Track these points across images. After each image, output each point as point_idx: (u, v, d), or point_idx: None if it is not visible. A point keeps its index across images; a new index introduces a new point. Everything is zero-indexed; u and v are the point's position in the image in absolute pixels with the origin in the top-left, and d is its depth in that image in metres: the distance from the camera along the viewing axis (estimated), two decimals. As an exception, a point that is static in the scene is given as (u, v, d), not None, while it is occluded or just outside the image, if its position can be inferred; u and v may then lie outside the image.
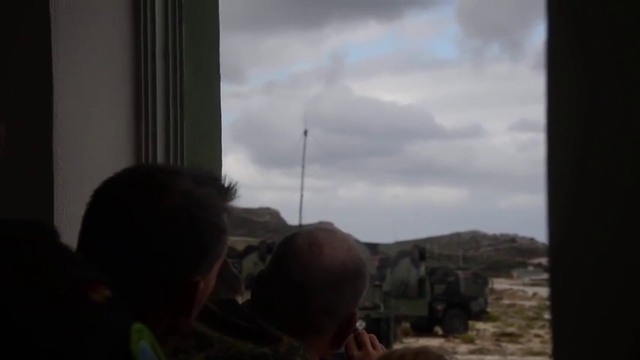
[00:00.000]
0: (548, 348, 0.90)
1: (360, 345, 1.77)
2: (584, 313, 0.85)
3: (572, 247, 0.84)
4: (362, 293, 1.68)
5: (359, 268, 1.67)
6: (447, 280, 30.49)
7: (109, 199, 1.31)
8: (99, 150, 2.22)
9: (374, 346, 1.77)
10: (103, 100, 2.26)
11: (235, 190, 1.37)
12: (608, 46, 0.80)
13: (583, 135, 0.83)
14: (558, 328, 0.88)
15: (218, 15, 2.44)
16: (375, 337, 1.81)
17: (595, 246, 0.82)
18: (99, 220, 1.30)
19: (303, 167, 50.74)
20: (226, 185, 1.36)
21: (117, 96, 2.29)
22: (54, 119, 2.13)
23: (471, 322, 30.64)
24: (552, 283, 0.88)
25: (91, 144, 2.22)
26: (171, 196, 1.28)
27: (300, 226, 49.90)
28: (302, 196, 47.75)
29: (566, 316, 0.87)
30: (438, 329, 29.56)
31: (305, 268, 1.62)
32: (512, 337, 29.66)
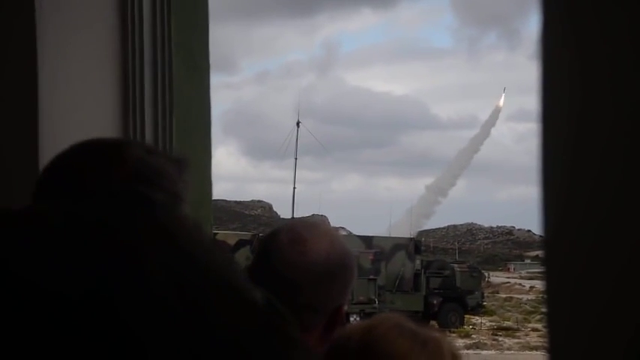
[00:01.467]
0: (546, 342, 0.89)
1: None
2: (580, 306, 0.84)
3: (566, 239, 0.84)
4: (349, 286, 1.65)
5: (344, 260, 1.64)
6: (442, 273, 30.52)
7: (62, 169, 1.25)
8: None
9: None
10: (90, 93, 2.22)
11: (186, 162, 1.33)
12: (601, 41, 0.80)
13: (576, 127, 0.82)
14: (554, 321, 0.87)
15: (207, 3, 2.41)
16: None
17: (589, 238, 0.82)
18: (52, 192, 1.22)
19: (295, 159, 50.72)
20: (177, 157, 1.34)
21: (104, 88, 2.25)
22: (39, 114, 2.09)
23: (467, 317, 30.70)
24: (548, 276, 0.87)
25: (77, 139, 2.18)
26: (126, 163, 1.23)
27: (293, 219, 49.80)
28: (295, 188, 47.69)
29: (561, 309, 0.86)
30: (434, 324, 29.60)
31: (289, 265, 1.58)
32: (509, 331, 29.74)
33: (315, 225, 1.69)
